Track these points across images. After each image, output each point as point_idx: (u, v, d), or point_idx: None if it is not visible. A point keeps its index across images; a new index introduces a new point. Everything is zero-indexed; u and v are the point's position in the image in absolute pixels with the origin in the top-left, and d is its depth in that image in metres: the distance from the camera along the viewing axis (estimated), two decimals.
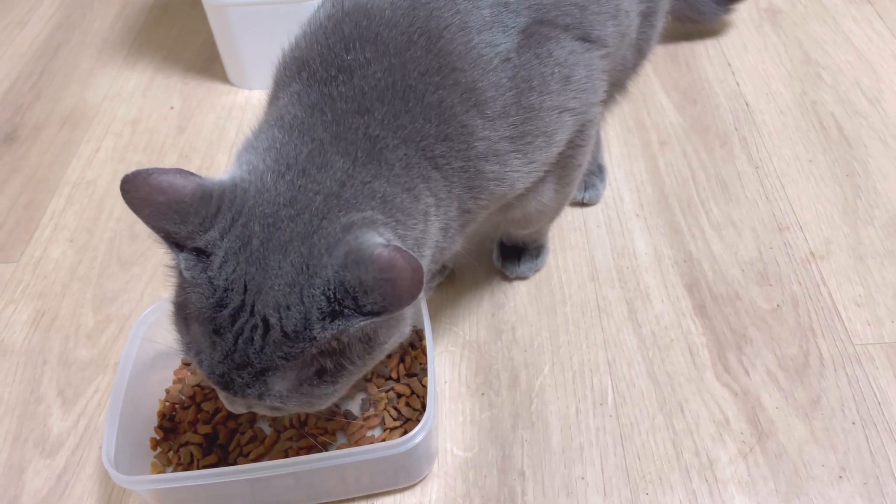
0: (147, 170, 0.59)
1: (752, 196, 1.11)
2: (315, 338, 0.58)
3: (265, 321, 0.59)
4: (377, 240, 0.60)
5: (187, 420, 0.87)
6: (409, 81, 0.66)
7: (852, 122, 1.22)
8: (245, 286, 0.59)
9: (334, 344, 0.60)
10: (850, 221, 1.07)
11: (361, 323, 0.57)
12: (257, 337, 0.59)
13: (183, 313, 0.63)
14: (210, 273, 0.59)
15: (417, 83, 0.66)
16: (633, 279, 1.02)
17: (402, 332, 0.67)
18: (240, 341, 0.60)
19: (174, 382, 0.91)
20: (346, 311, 0.57)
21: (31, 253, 1.13)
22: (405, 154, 0.65)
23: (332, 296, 0.58)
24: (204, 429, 0.86)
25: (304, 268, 0.59)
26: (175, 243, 0.60)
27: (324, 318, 0.58)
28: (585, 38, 0.76)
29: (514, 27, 0.70)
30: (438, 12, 0.68)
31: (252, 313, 0.59)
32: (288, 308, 0.58)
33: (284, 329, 0.58)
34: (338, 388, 0.65)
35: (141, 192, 0.58)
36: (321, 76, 0.67)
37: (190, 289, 0.60)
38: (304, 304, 0.58)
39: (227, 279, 0.59)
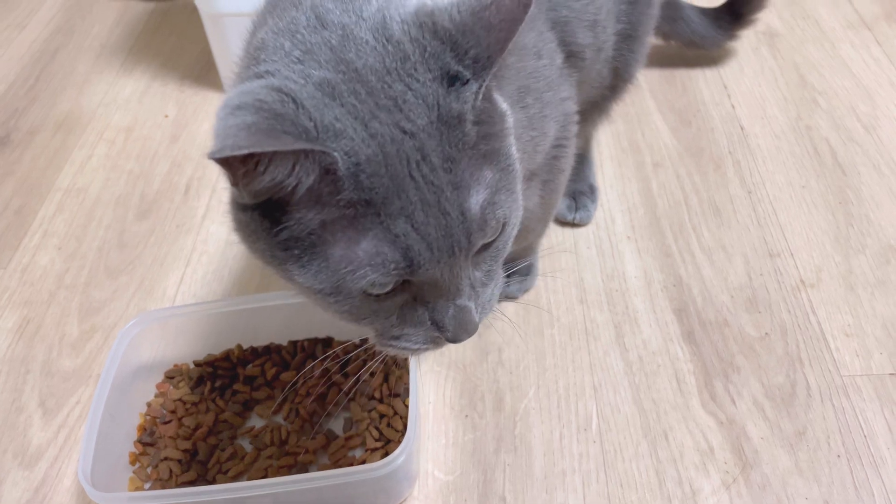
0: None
1: (744, 221, 1.11)
2: (457, 116, 0.54)
3: (412, 135, 0.53)
4: None
5: (168, 435, 0.86)
6: None
7: (847, 148, 1.21)
8: (382, 124, 0.53)
9: (474, 117, 0.55)
10: (841, 250, 1.06)
11: (476, 85, 0.53)
12: (425, 161, 0.53)
13: (353, 241, 0.54)
14: (349, 149, 0.52)
15: None
16: (621, 302, 1.01)
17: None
18: (421, 182, 0.54)
19: (156, 396, 0.91)
20: (453, 69, 0.53)
21: (18, 259, 1.12)
22: None
23: (428, 55, 0.54)
24: (184, 444, 0.85)
25: (387, 51, 0.54)
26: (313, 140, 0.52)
27: (446, 90, 0.53)
28: (561, 41, 0.79)
29: None
30: None
31: (402, 141, 0.53)
32: (414, 99, 0.53)
33: (427, 131, 0.53)
34: (517, 168, 0.60)
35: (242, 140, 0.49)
36: None
37: (346, 191, 0.53)
38: (423, 87, 0.54)
39: (362, 139, 0.53)
